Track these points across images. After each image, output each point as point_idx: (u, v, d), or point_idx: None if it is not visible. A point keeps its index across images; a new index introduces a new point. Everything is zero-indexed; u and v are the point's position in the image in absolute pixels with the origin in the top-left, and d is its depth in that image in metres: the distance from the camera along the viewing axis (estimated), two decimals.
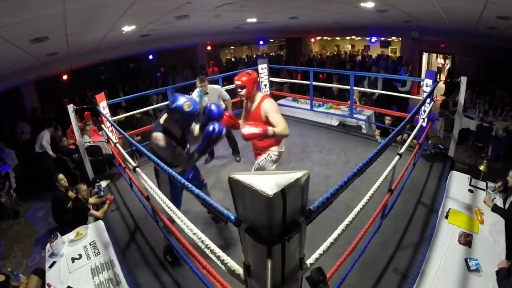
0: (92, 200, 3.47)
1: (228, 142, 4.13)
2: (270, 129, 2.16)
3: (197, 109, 2.00)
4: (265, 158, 2.52)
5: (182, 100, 1.95)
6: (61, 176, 3.46)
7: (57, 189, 3.45)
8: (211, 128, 1.97)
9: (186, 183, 1.27)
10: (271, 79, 5.73)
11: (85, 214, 3.18)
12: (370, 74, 6.78)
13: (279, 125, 2.22)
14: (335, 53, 12.97)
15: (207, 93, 3.74)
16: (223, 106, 3.89)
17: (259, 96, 2.44)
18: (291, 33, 11.01)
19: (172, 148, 2.05)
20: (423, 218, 2.78)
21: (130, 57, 9.52)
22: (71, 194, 3.53)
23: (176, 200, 2.22)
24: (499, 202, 2.76)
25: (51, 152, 4.93)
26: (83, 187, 3.38)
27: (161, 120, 2.09)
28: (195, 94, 3.73)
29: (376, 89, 6.57)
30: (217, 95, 3.83)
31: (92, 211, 3.20)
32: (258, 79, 5.45)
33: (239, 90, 2.41)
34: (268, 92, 5.73)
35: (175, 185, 2.25)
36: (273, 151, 2.51)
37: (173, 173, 1.44)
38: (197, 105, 2.03)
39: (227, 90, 4.22)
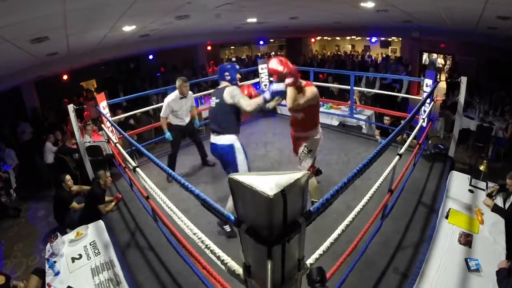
0: (75, 187, 3.62)
1: (197, 150, 4.07)
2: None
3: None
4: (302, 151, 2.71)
5: (226, 64, 2.58)
6: (68, 177, 3.48)
7: (61, 189, 3.47)
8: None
9: (186, 183, 1.27)
10: (271, 79, 5.73)
11: (68, 205, 3.36)
12: (370, 74, 6.79)
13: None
14: (336, 52, 12.98)
15: (184, 97, 3.64)
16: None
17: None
18: (291, 33, 11.01)
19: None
20: (423, 218, 2.78)
21: (130, 57, 9.52)
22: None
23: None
24: (499, 202, 2.77)
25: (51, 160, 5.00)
26: (67, 177, 3.48)
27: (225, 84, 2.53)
28: (171, 97, 3.58)
29: (374, 89, 6.58)
30: (191, 100, 3.80)
31: (100, 206, 3.20)
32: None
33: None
34: None
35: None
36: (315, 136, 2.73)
37: (173, 173, 1.45)
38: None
39: None
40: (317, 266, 1.10)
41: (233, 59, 12.91)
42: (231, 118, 2.47)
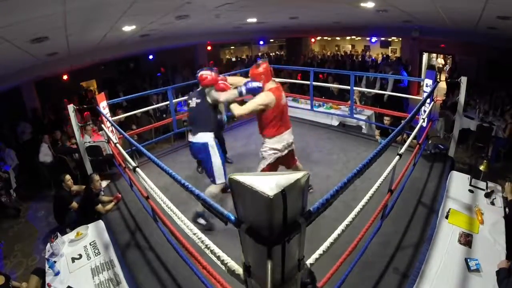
0: (75, 187, 3.62)
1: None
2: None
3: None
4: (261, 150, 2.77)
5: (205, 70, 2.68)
6: (68, 176, 3.49)
7: (61, 189, 3.47)
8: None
9: (186, 183, 1.27)
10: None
11: (68, 205, 3.35)
12: (369, 74, 6.79)
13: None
14: (336, 52, 12.98)
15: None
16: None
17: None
18: (291, 33, 11.01)
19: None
20: (423, 218, 2.78)
21: (130, 57, 9.52)
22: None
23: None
24: (500, 202, 2.77)
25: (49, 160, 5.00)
26: (67, 176, 3.50)
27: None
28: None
29: (374, 89, 6.59)
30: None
31: (99, 207, 3.20)
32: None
33: None
34: None
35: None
36: (265, 144, 2.72)
37: (174, 173, 1.45)
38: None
39: None
40: (307, 269, 1.10)
41: (233, 59, 12.92)
42: (210, 115, 2.67)
